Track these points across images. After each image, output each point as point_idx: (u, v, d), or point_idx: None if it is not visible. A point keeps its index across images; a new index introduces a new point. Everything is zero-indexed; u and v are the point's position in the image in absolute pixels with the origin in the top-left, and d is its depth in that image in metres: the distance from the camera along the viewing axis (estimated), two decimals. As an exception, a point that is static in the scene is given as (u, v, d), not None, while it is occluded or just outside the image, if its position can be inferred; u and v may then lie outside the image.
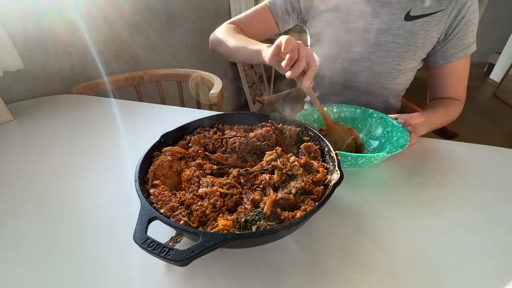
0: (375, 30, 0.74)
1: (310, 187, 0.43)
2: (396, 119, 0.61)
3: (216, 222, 0.38)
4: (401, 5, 0.70)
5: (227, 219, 0.38)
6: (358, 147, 0.62)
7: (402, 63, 0.77)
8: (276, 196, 0.41)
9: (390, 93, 0.84)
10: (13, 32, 0.88)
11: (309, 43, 0.91)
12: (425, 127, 0.67)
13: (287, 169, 0.46)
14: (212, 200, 0.41)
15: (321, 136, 0.52)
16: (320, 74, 0.87)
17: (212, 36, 0.83)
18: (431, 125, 0.72)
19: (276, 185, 0.45)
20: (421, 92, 0.89)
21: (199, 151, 0.52)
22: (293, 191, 0.42)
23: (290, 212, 0.40)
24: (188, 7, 1.60)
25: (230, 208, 0.42)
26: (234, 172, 0.47)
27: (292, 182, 0.45)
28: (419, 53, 0.75)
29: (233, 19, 0.86)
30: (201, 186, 0.44)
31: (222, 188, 0.43)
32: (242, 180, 0.46)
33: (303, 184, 0.43)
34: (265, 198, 0.41)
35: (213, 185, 0.44)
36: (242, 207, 0.41)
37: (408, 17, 0.70)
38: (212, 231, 0.36)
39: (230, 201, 0.42)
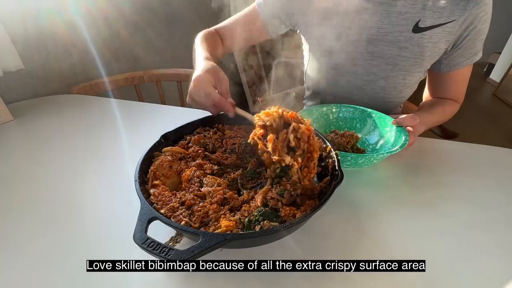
0: (380, 42, 0.69)
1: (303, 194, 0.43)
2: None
3: (218, 222, 0.38)
4: (410, 14, 0.64)
5: (230, 220, 0.38)
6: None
7: (407, 77, 0.73)
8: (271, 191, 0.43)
9: (393, 106, 0.81)
10: (13, 32, 0.88)
11: (305, 53, 0.87)
12: (422, 126, 0.66)
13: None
14: (215, 199, 0.41)
15: (321, 136, 0.52)
16: (319, 86, 0.84)
17: None
18: (428, 124, 0.72)
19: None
20: (421, 91, 0.89)
21: (199, 151, 0.52)
22: (285, 195, 0.42)
23: (291, 208, 0.40)
24: (188, 7, 1.60)
25: (237, 207, 0.42)
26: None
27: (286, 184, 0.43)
28: (425, 65, 0.71)
29: (218, 25, 0.80)
30: (204, 185, 0.45)
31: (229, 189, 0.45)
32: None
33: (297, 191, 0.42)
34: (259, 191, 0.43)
35: (218, 185, 0.44)
36: (247, 205, 0.41)
37: (417, 29, 0.65)
38: (216, 232, 0.36)
39: (237, 201, 0.42)
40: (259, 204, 0.41)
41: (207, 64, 0.56)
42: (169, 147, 0.51)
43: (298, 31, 0.83)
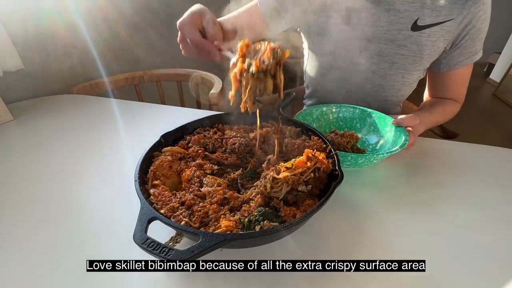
0: (379, 40, 0.69)
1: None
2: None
3: (218, 222, 0.38)
4: (409, 13, 0.65)
5: (230, 220, 0.38)
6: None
7: (406, 75, 0.73)
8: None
9: (391, 104, 0.81)
10: (13, 32, 0.88)
11: (305, 51, 0.87)
12: (422, 126, 0.66)
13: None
14: (215, 199, 0.41)
15: (321, 136, 0.52)
16: (318, 83, 0.84)
17: None
18: (429, 124, 0.72)
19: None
20: (420, 90, 0.89)
21: (199, 151, 0.52)
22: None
23: (291, 208, 0.40)
24: (188, 7, 1.61)
25: (237, 207, 0.42)
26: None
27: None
28: (424, 63, 0.71)
29: (218, 19, 0.82)
30: (204, 185, 0.45)
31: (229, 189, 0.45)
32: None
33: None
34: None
35: (218, 185, 0.44)
36: (247, 205, 0.41)
37: (415, 27, 0.65)
38: (216, 232, 0.36)
39: (237, 201, 0.42)
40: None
41: (193, 8, 0.54)
42: (169, 147, 0.51)
43: (298, 29, 0.83)
